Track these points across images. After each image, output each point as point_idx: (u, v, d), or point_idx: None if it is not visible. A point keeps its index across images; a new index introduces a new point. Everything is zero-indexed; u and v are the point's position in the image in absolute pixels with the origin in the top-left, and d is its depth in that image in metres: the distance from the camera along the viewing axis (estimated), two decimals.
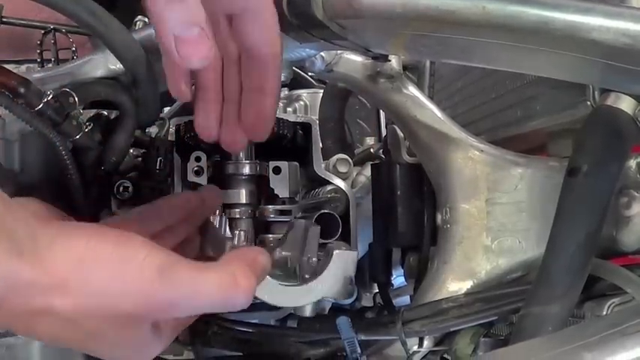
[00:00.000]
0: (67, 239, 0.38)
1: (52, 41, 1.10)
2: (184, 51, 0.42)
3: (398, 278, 0.84)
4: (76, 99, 0.55)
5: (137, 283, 0.38)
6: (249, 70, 0.52)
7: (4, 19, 1.11)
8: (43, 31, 1.11)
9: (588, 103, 0.54)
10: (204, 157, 0.67)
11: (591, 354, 0.41)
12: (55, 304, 0.37)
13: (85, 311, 0.38)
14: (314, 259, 0.59)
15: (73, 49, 1.07)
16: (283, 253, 0.62)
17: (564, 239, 0.50)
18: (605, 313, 0.52)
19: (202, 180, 0.67)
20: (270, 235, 0.69)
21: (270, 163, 0.70)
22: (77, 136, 0.56)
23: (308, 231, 0.61)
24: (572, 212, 0.50)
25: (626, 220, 0.55)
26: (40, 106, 0.52)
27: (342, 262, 0.57)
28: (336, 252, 0.57)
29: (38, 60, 1.11)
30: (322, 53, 0.64)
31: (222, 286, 0.40)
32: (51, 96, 0.53)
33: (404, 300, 0.85)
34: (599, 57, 0.42)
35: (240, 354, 0.70)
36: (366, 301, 0.87)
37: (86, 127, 0.56)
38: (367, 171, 0.77)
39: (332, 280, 0.56)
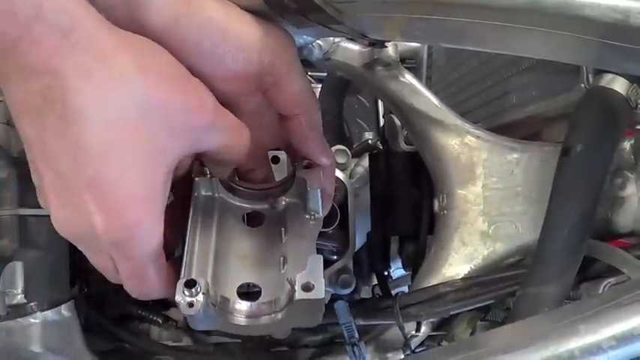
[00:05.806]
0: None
1: None
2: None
3: (396, 271, 0.85)
4: None
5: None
6: None
7: None
8: None
9: (582, 85, 0.54)
10: None
11: (586, 326, 0.41)
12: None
13: None
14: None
15: None
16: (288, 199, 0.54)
17: (559, 218, 0.50)
18: (600, 292, 0.53)
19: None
20: None
21: (269, 152, 0.70)
22: None
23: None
24: (566, 191, 0.50)
25: (620, 201, 0.55)
26: None
27: (306, 306, 0.44)
28: (297, 299, 0.43)
29: None
30: (320, 42, 0.65)
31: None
32: None
33: (403, 290, 0.85)
34: (591, 35, 0.42)
35: (239, 340, 0.70)
36: (365, 294, 0.88)
37: None
38: (365, 162, 0.78)
39: (294, 317, 0.45)
